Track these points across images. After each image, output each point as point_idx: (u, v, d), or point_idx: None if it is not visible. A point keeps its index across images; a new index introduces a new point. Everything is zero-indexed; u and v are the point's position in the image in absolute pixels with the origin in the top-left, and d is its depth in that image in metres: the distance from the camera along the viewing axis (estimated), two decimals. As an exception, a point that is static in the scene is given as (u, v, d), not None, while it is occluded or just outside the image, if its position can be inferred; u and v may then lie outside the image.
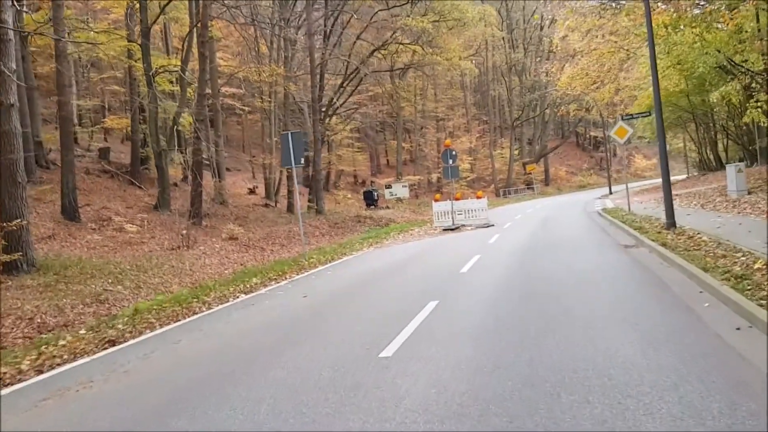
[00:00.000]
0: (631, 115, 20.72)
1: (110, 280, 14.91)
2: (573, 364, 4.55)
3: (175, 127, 28.35)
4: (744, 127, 33.07)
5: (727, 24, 13.48)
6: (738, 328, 5.10)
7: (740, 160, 40.78)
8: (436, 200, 22.38)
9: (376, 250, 16.21)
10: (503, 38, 55.32)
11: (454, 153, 21.48)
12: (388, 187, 44.03)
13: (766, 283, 6.05)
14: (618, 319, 5.68)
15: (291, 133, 13.72)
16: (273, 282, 10.72)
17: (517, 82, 58.41)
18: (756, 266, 6.99)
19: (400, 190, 43.62)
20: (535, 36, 56.95)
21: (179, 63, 27.71)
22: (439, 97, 57.69)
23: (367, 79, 45.81)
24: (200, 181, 23.93)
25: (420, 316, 6.65)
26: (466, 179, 52.89)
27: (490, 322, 6.13)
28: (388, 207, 39.30)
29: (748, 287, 6.02)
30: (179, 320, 7.97)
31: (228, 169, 43.45)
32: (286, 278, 11.16)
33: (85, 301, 12.21)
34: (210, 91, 31.86)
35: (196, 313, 8.33)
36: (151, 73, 24.44)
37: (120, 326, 7.73)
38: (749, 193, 16.00)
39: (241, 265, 19.67)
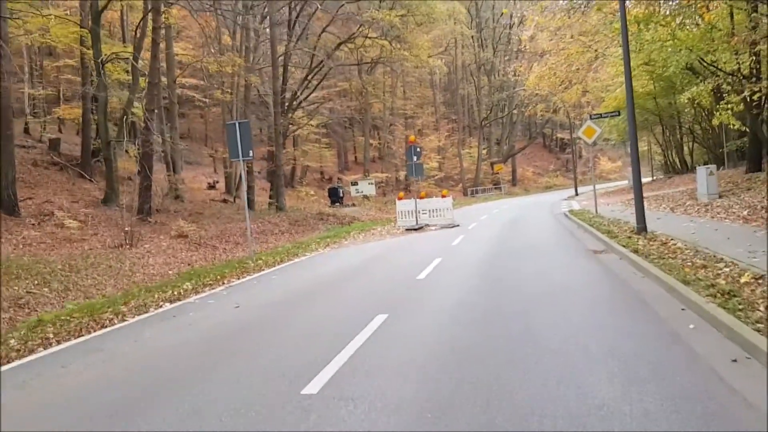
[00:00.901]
0: (600, 114, 20.15)
1: (36, 282, 13.55)
2: (540, 409, 3.60)
3: (126, 117, 26.78)
4: (710, 131, 33.15)
5: (703, 16, 12.84)
6: (734, 360, 4.24)
7: (705, 164, 41.11)
8: (400, 199, 21.42)
9: (332, 251, 15.13)
10: (472, 37, 54.77)
11: (418, 150, 20.54)
12: (354, 184, 42.94)
13: (760, 302, 5.23)
14: (592, 347, 4.77)
15: (238, 122, 12.54)
16: (207, 288, 9.54)
17: (485, 82, 58.00)
18: (743, 280, 6.21)
19: (367, 187, 42.57)
20: (504, 35, 56.60)
21: (132, 50, 26.21)
22: (408, 95, 56.89)
23: (335, 74, 44.70)
24: (149, 174, 22.53)
25: (362, 335, 5.64)
26: (434, 178, 52.24)
27: (443, 345, 5.17)
28: (353, 204, 38.23)
29: (740, 306, 5.19)
30: (82, 336, 6.76)
31: (189, 163, 41.88)
32: (224, 283, 9.99)
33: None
34: (166, 80, 30.36)
35: (105, 327, 7.13)
36: (100, 60, 23.03)
37: (12, 342, 6.51)
38: (720, 196, 15.49)
39: (189, 265, 18.44)
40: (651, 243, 9.92)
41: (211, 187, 35.94)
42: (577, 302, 6.40)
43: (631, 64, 22.71)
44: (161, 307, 8.19)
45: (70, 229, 19.20)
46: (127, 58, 26.56)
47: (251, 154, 12.65)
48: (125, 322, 7.35)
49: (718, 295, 5.73)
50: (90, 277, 14.84)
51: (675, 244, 9.36)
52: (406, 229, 19.63)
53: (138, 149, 25.11)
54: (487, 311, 6.30)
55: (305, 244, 16.34)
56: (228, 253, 20.48)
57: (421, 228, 19.79)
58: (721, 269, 6.96)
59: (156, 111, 30.22)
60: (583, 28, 27.47)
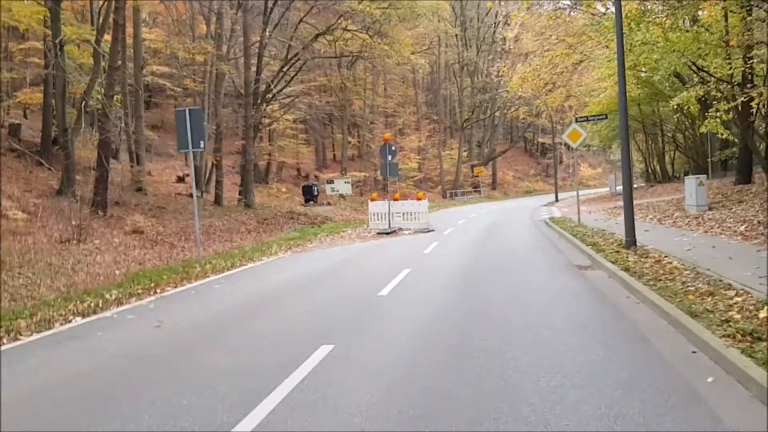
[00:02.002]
0: (586, 117, 19.17)
1: (-44, 281, 12.08)
2: None
3: (85, 103, 25.20)
4: (693, 139, 32.64)
5: (704, 9, 11.84)
6: (781, 440, 3.13)
7: (686, 173, 40.75)
8: (373, 200, 20.18)
9: (293, 255, 13.83)
10: (456, 35, 53.79)
11: (393, 148, 19.32)
12: (330, 182, 41.61)
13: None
14: (585, 410, 3.61)
15: (189, 109, 11.22)
16: (134, 298, 8.18)
17: (468, 83, 57.08)
18: (762, 315, 5.12)
19: (343, 186, 41.28)
20: (488, 35, 55.73)
21: (95, 33, 24.72)
22: (389, 93, 55.71)
23: (314, 68, 43.23)
24: (105, 164, 21.05)
25: (294, 377, 4.42)
26: (413, 179, 51.17)
27: (394, 397, 3.97)
28: (329, 203, 36.96)
29: (771, 355, 4.09)
30: (-53, 363, 5.44)
31: (160, 155, 40.44)
32: (156, 292, 8.63)
33: None
34: (133, 66, 28.83)
35: (-14, 350, 5.80)
36: (58, 41, 21.60)
37: None
38: (710, 208, 14.58)
39: (140, 264, 17.07)
40: (642, 260, 8.86)
41: (181, 180, 34.38)
42: (563, 337, 5.25)
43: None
44: (70, 322, 6.85)
45: (16, 220, 17.70)
46: (86, 40, 25.12)
47: (203, 145, 11.33)
48: (16, 343, 5.99)
49: (738, 335, 4.64)
50: (24, 275, 13.37)
51: (670, 263, 8.31)
52: (378, 233, 18.42)
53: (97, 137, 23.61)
54: (454, 347, 5.11)
55: (266, 246, 15.02)
56: (186, 252, 19.15)
57: (393, 232, 18.59)
58: (731, 298, 5.89)
59: (120, 97, 28.70)
60: (569, 29, 26.70)
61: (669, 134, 37.67)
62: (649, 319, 5.73)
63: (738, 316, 5.21)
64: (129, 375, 4.78)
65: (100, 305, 7.60)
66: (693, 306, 5.70)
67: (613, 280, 8.05)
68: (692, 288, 6.55)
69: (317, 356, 4.96)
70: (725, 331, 4.80)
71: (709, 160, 23.69)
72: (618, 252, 9.91)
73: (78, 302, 7.73)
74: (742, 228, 10.58)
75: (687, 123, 33.43)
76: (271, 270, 10.98)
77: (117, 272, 15.39)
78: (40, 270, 14.06)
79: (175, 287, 9.04)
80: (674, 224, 13.30)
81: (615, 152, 62.51)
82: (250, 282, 9.57)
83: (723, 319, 5.16)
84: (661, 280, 7.24)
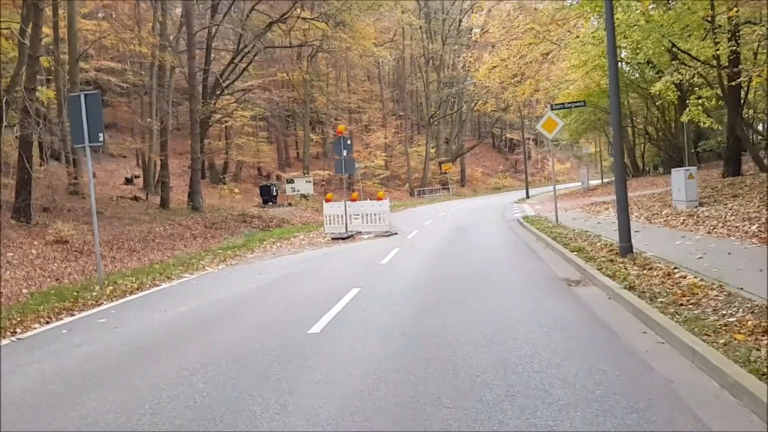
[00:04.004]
0: (563, 104, 17.46)
1: None
2: None
3: (6, 98, 22.56)
4: (664, 131, 31.62)
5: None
6: None
7: (656, 167, 39.78)
8: (328, 200, 18.12)
9: (225, 269, 11.70)
10: (420, 27, 52.02)
11: (348, 142, 17.30)
12: (290, 182, 39.28)
13: None
14: None
15: (84, 94, 9.03)
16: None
17: (434, 77, 55.44)
18: None
19: (304, 185, 39.02)
20: (453, 27, 54.14)
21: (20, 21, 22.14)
22: (353, 88, 53.69)
23: (273, 62, 40.91)
24: (28, 166, 18.59)
25: None
26: (380, 177, 49.26)
27: None
28: (289, 204, 34.75)
29: None
30: None
31: (112, 156, 37.99)
32: (14, 332, 6.44)
33: None
34: (68, 58, 26.24)
35: None
36: (-28, 27, 19.08)
37: None
38: (701, 204, 13.01)
39: (57, 280, 14.73)
40: (647, 272, 7.08)
41: (129, 182, 31.88)
42: (569, 418, 3.35)
43: (593, 52, 20.33)
44: None
45: None
46: (9, 29, 22.55)
47: (102, 138, 9.15)
48: None
49: None
50: None
51: (684, 277, 6.54)
52: (333, 238, 16.38)
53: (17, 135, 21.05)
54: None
55: (195, 258, 12.85)
56: (117, 263, 16.98)
57: (351, 236, 16.58)
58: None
59: (53, 93, 26.02)
60: (536, 17, 25.33)
61: (640, 126, 36.65)
62: (690, 378, 3.87)
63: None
64: None
65: None
66: (751, 355, 3.89)
67: (616, 302, 6.23)
68: (732, 320, 4.76)
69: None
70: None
71: (688, 151, 22.36)
72: (612, 261, 8.14)
73: None
74: (754, 228, 8.92)
75: (659, 114, 32.37)
76: (186, 293, 8.82)
77: (25, 291, 13.12)
78: None
79: (47, 323, 6.86)
80: (667, 223, 11.64)
81: (584, 146, 61.78)
82: (143, 314, 7.35)
83: (810, 382, 3.36)
84: (682, 304, 5.45)
